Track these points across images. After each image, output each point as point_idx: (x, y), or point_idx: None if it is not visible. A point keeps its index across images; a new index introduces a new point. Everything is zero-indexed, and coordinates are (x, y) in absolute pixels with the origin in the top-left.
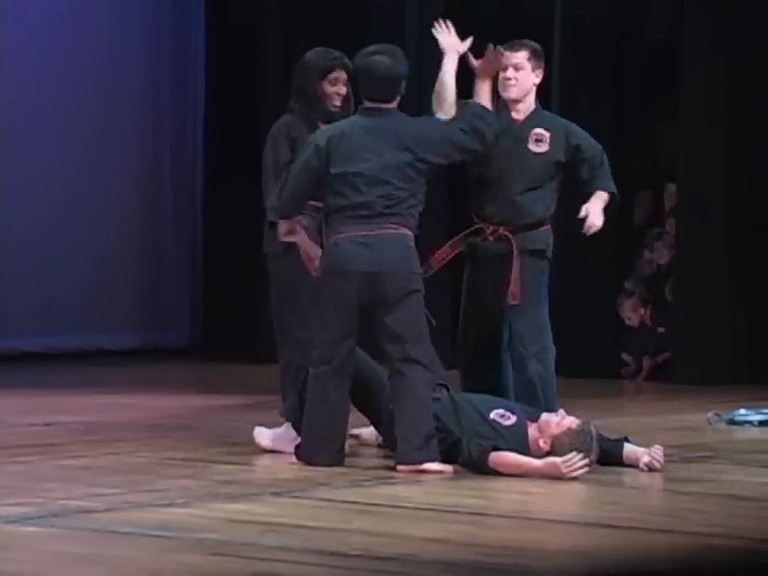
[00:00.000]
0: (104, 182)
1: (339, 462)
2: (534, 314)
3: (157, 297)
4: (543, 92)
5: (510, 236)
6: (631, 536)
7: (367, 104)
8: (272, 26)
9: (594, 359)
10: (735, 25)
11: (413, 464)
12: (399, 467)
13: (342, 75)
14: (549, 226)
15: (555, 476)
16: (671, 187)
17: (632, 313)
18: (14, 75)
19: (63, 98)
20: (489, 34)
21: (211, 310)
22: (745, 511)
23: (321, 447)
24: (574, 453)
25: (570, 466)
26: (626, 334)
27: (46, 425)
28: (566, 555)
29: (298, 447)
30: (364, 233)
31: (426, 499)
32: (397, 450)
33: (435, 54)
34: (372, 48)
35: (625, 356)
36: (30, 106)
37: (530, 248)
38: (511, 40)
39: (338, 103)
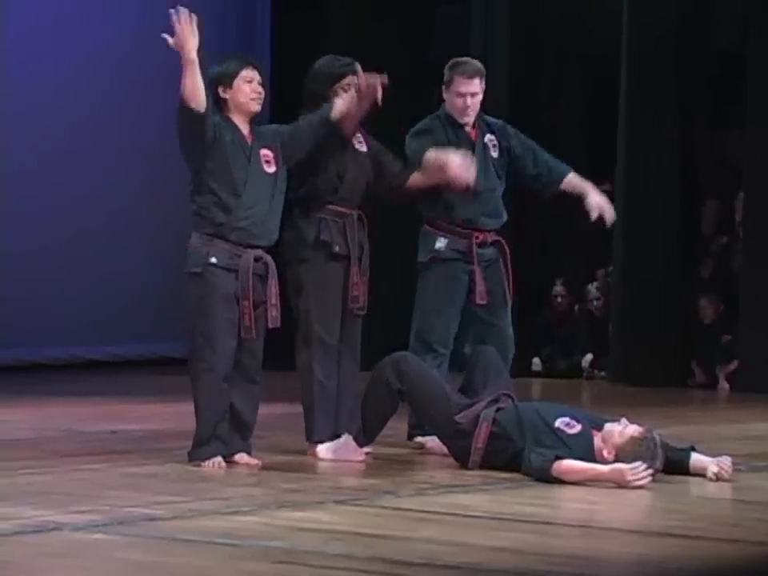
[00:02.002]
0: (152, 191)
1: None
2: None
3: None
4: (612, 101)
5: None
6: (697, 546)
7: None
8: (337, 42)
9: (660, 368)
10: None
11: None
12: None
13: (355, 81)
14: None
15: (620, 483)
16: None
17: (709, 309)
18: (60, 82)
19: (108, 106)
20: (556, 48)
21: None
22: None
23: None
24: (639, 462)
25: (635, 474)
26: (695, 342)
27: (112, 432)
28: (632, 565)
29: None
30: None
31: (490, 508)
32: None
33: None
34: None
35: (693, 365)
36: (74, 113)
37: None
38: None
39: None
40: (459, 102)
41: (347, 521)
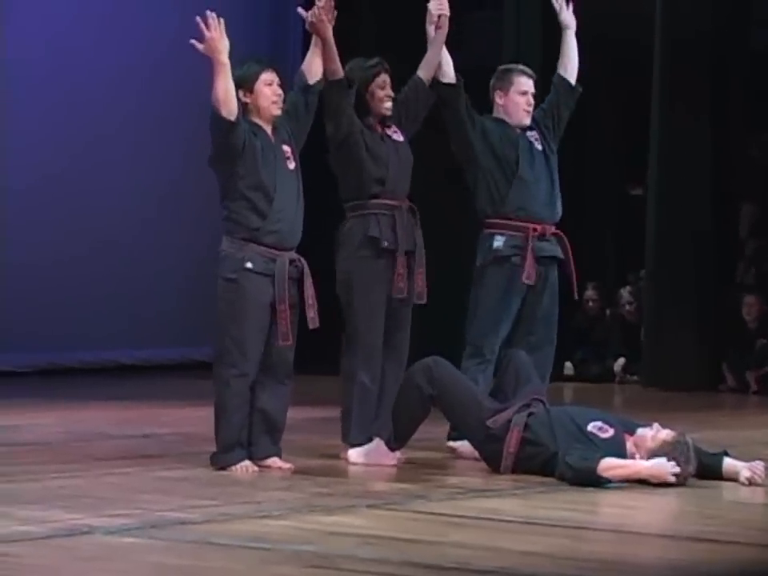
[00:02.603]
0: (180, 197)
1: None
2: None
3: None
4: (645, 104)
5: None
6: (730, 550)
7: None
8: (368, 49)
9: (692, 372)
10: None
11: None
12: None
13: (387, 79)
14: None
15: (662, 478)
16: None
17: (755, 307)
18: (91, 88)
19: (134, 116)
20: (589, 51)
21: (303, 321)
22: None
23: None
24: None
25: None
26: (727, 346)
27: (144, 436)
28: (664, 569)
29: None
30: None
31: (522, 512)
32: None
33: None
34: None
35: (725, 369)
36: (104, 124)
37: None
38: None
39: (389, 105)
40: (523, 100)
41: (379, 525)
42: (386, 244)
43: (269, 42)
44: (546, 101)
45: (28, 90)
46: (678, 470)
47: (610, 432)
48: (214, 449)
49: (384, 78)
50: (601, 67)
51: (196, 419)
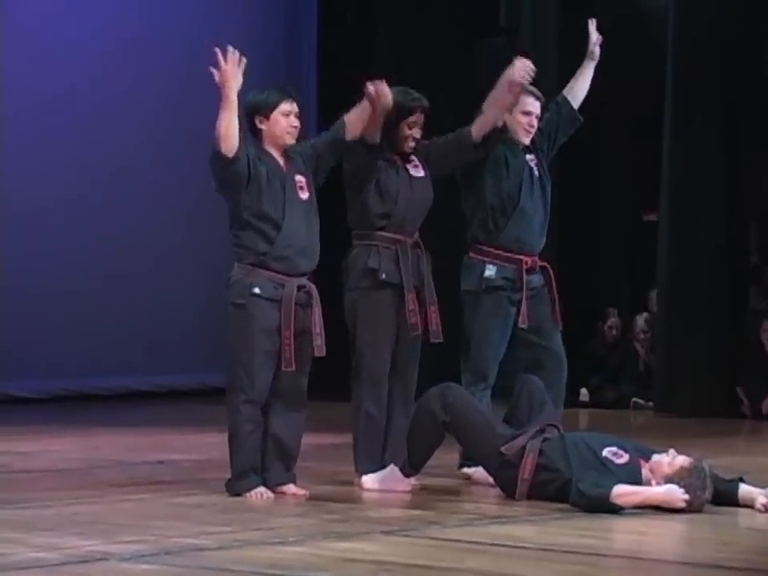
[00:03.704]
0: (198, 226)
1: None
2: None
3: None
4: (657, 130)
5: None
6: None
7: None
8: (382, 75)
9: (707, 399)
10: None
11: None
12: None
13: (421, 119)
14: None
15: (675, 504)
16: None
17: None
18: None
19: (156, 144)
20: (603, 80)
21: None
22: None
23: None
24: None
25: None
26: (742, 371)
27: (159, 462)
28: None
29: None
30: None
31: (538, 538)
32: None
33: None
34: None
35: (740, 393)
36: (122, 154)
37: None
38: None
39: (412, 144)
40: (525, 120)
41: (394, 551)
42: (383, 276)
43: (284, 65)
44: (543, 121)
45: (43, 119)
46: (687, 496)
47: (625, 458)
48: (228, 475)
49: (417, 117)
50: (614, 96)
51: (210, 445)
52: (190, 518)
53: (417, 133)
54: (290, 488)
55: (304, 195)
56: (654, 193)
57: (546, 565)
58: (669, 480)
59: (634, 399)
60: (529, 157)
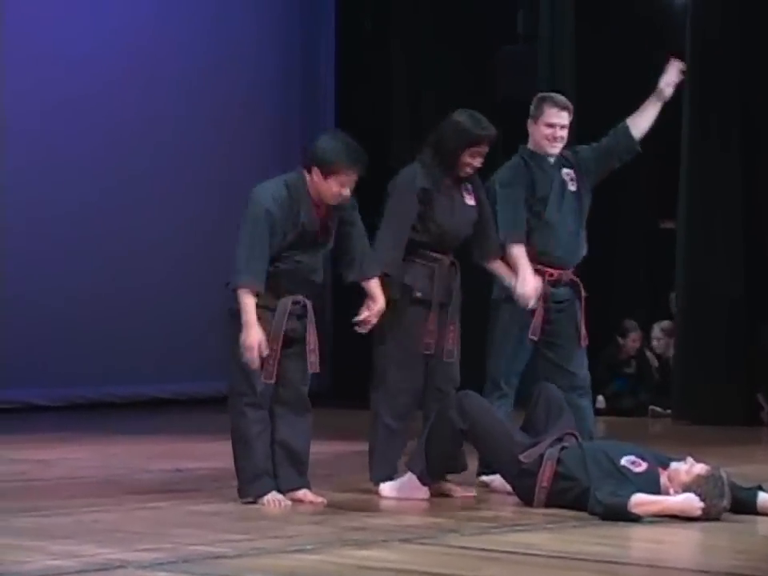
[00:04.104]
0: (215, 234)
1: None
2: None
3: None
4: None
5: None
6: None
7: None
8: (400, 82)
9: (725, 406)
10: None
11: None
12: None
13: (485, 150)
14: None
15: (691, 513)
16: None
17: None
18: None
19: (170, 153)
20: (623, 85)
21: (340, 355)
22: None
23: None
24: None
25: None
26: (762, 377)
27: (176, 471)
28: None
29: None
30: None
31: (555, 546)
32: None
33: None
34: None
35: (760, 399)
36: (142, 161)
37: None
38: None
39: (469, 171)
40: (548, 131)
41: (412, 559)
42: (419, 295)
43: (300, 70)
44: (601, 143)
45: (50, 126)
46: (703, 504)
47: (644, 466)
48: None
49: (482, 149)
50: (635, 102)
51: (228, 453)
52: (208, 525)
53: (477, 162)
54: (307, 495)
55: (323, 240)
56: (671, 200)
57: (563, 573)
58: (686, 488)
59: (651, 407)
60: (565, 171)
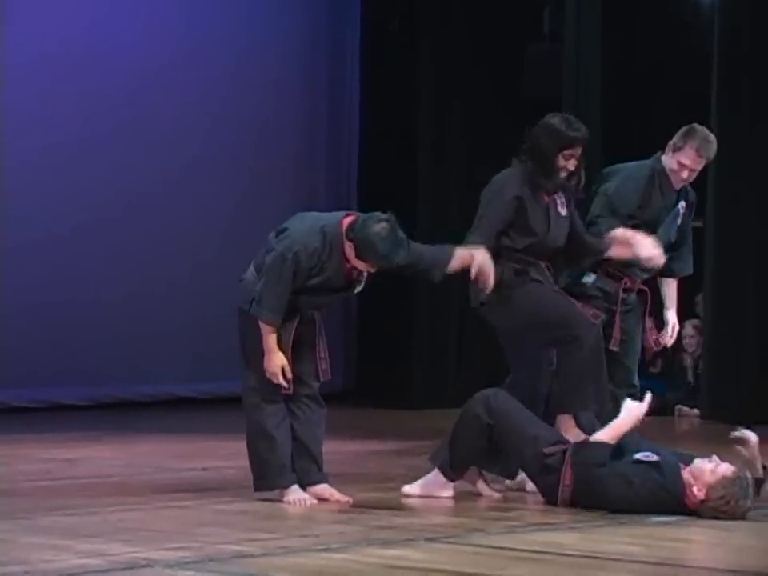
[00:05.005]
0: (240, 235)
1: None
2: None
3: None
4: None
5: None
6: None
7: None
8: (427, 82)
9: (753, 404)
10: None
11: None
12: None
13: (578, 152)
14: None
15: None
16: None
17: None
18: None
19: (200, 157)
20: (649, 81)
21: (365, 354)
22: None
23: None
24: (729, 501)
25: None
26: None
27: (203, 469)
28: None
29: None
30: None
31: (582, 546)
32: None
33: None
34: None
35: None
36: (172, 165)
37: None
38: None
39: (563, 175)
40: (680, 171)
41: (439, 558)
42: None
43: (326, 70)
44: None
45: (62, 123)
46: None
47: (657, 458)
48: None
49: (576, 151)
50: (661, 100)
51: None
52: (234, 524)
53: (572, 165)
54: (333, 494)
55: (357, 288)
56: (699, 199)
57: (590, 572)
58: (711, 488)
59: (678, 406)
60: (682, 204)
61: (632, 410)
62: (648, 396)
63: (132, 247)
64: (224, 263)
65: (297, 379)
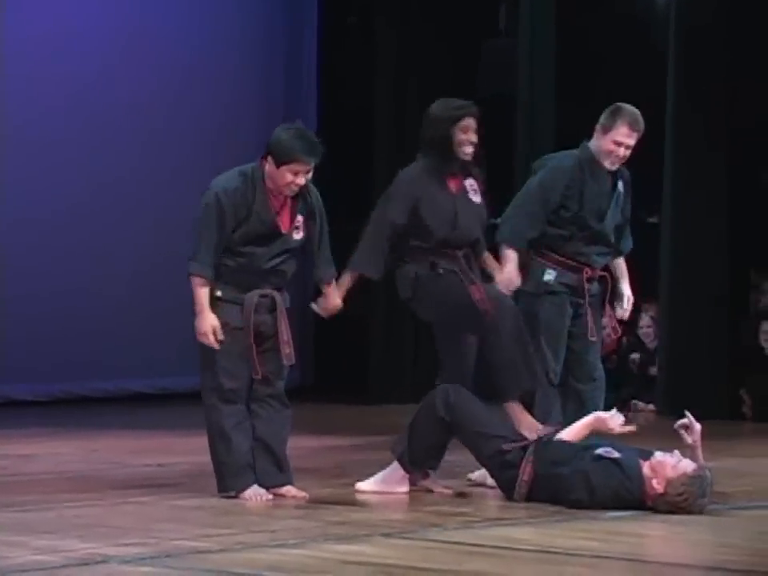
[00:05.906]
0: None
1: None
2: None
3: None
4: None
5: None
6: None
7: None
8: (384, 77)
9: (709, 400)
10: None
11: None
12: None
13: (472, 123)
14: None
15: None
16: None
17: None
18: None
19: (165, 146)
20: (603, 79)
21: (323, 350)
22: None
23: None
24: (687, 497)
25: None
26: (745, 374)
27: (159, 465)
28: None
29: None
30: None
31: (538, 541)
32: None
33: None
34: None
35: (743, 393)
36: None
37: None
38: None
39: (468, 150)
40: (614, 149)
41: (395, 554)
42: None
43: (283, 75)
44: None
45: (56, 126)
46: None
47: (617, 454)
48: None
49: (468, 122)
50: (616, 97)
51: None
52: (191, 520)
53: (471, 137)
54: (290, 490)
55: (297, 236)
56: (656, 194)
57: (547, 567)
58: (670, 483)
59: (633, 401)
60: (621, 185)
61: (599, 417)
62: (616, 413)
63: (88, 244)
64: (181, 259)
65: (261, 378)
